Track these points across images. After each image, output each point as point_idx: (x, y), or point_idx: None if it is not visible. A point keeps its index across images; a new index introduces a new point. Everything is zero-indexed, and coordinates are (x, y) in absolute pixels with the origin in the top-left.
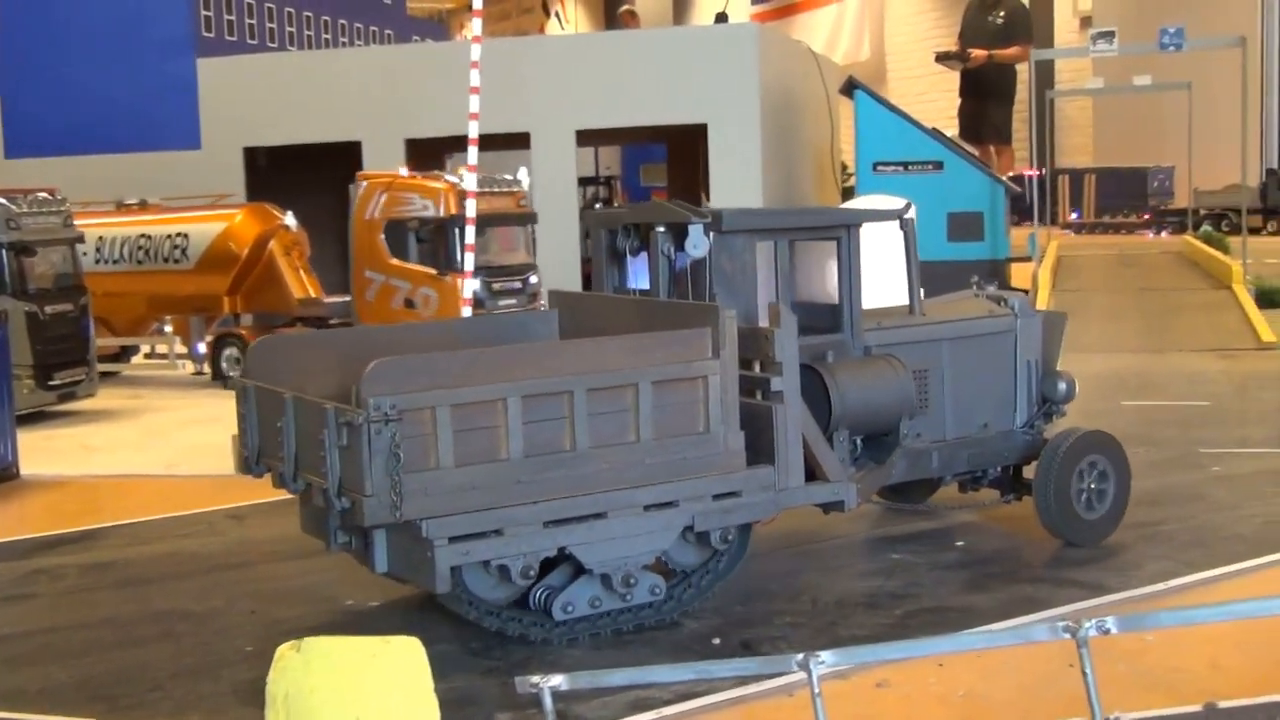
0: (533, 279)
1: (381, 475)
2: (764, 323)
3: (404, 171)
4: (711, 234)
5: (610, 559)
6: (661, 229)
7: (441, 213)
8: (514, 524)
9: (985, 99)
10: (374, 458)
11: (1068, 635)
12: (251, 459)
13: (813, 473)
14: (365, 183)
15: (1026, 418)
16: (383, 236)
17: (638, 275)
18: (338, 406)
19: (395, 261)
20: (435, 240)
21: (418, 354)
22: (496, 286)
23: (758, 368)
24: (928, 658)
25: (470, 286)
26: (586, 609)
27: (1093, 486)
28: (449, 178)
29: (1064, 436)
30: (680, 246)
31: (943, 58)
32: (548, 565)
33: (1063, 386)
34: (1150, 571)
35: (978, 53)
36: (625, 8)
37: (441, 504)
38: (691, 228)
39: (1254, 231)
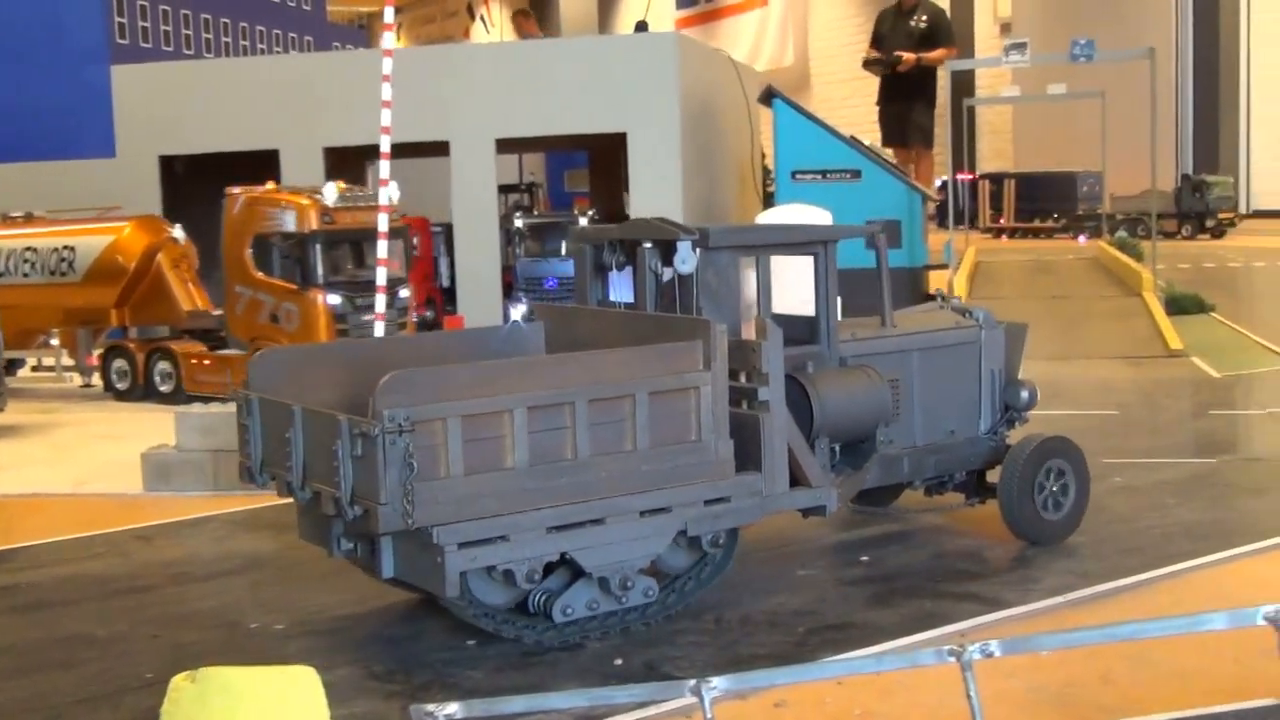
0: (403, 293)
1: (396, 484)
2: (747, 335)
3: (273, 185)
4: (698, 250)
5: (609, 563)
6: (648, 245)
7: (305, 228)
8: (519, 530)
9: (909, 103)
10: (388, 467)
11: (952, 659)
12: (255, 469)
13: (796, 478)
14: (235, 196)
15: (990, 424)
16: (250, 251)
17: (620, 289)
18: (352, 418)
19: (260, 276)
20: (298, 255)
21: (429, 367)
22: (360, 301)
23: (744, 378)
24: (829, 677)
25: (331, 301)
26: (584, 611)
27: (1054, 489)
28: (326, 191)
29: (1027, 442)
30: (667, 262)
31: (871, 63)
32: (546, 570)
33: (1025, 394)
34: (1048, 585)
35: (908, 56)
36: (518, 10)
37: (451, 511)
38: (680, 244)
39: (1169, 236)
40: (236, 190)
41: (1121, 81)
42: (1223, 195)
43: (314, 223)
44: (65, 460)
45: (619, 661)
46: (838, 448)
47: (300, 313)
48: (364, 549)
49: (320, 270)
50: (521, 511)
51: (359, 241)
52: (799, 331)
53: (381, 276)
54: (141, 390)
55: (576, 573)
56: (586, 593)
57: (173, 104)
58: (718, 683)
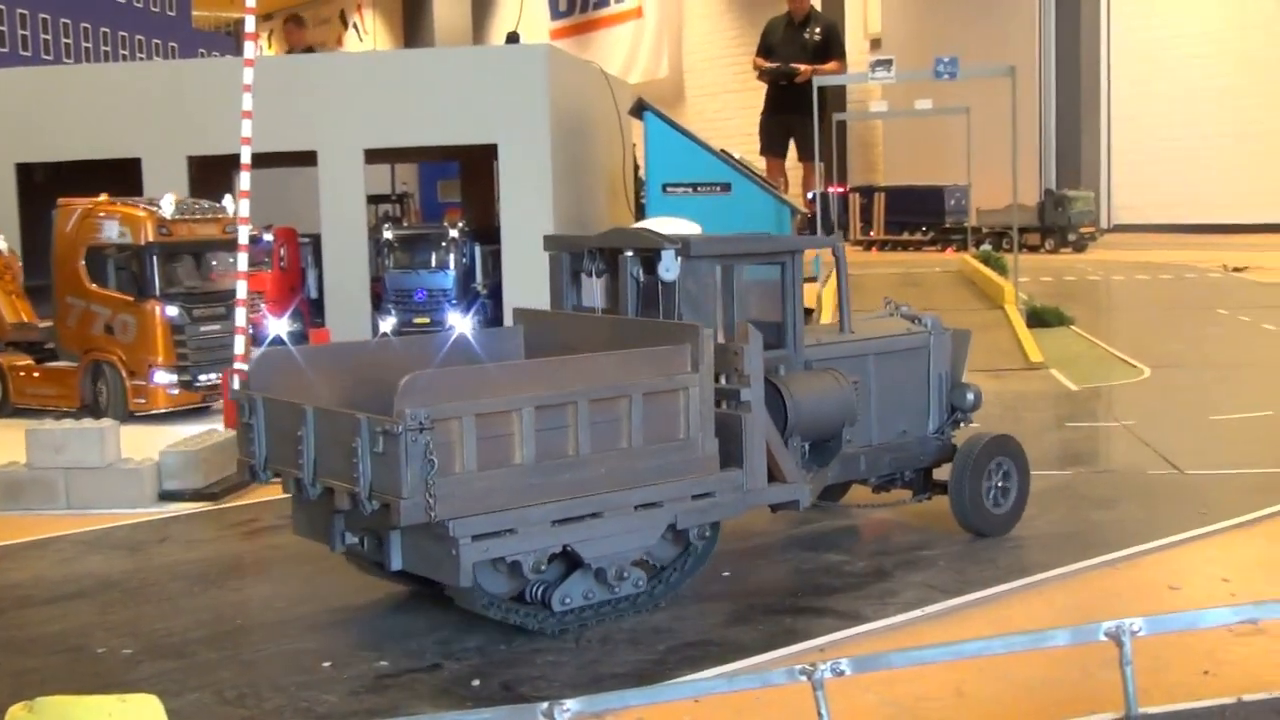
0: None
1: (417, 479)
2: (721, 339)
3: (105, 197)
4: (679, 258)
5: (606, 554)
6: (630, 253)
7: (139, 240)
8: (526, 523)
9: (796, 115)
10: (410, 463)
11: (804, 678)
12: (259, 466)
13: (772, 475)
14: (67, 208)
15: (938, 425)
16: (83, 263)
17: (590, 295)
18: (372, 417)
19: (94, 287)
20: (133, 267)
21: (446, 368)
22: (197, 313)
23: (723, 380)
24: (683, 697)
25: (169, 312)
26: (581, 601)
27: (999, 485)
28: (161, 203)
29: (974, 441)
30: (649, 270)
31: (766, 73)
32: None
33: (970, 396)
34: (906, 599)
35: (805, 68)
36: (289, 17)
37: (465, 505)
38: (664, 253)
39: (1033, 249)
40: (68, 202)
41: (987, 97)
42: (1084, 210)
43: (151, 234)
44: None
45: (476, 683)
46: (807, 446)
47: (137, 324)
48: (370, 543)
49: (157, 282)
50: (528, 506)
51: (196, 253)
52: (768, 336)
53: (242, 290)
54: None
55: (572, 564)
56: (583, 583)
57: (31, 111)
58: (571, 705)
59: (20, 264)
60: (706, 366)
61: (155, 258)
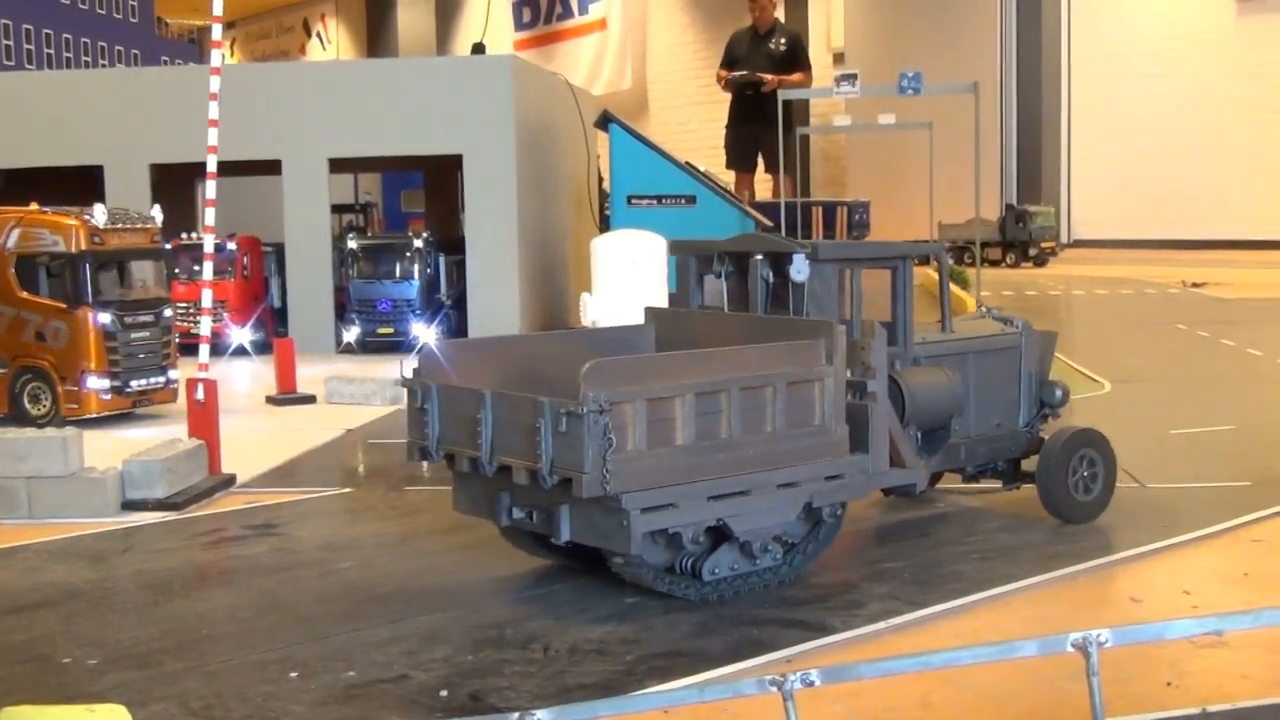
0: (166, 313)
1: (597, 456)
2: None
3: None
4: (809, 262)
5: (752, 529)
6: (759, 257)
7: (72, 248)
8: (686, 498)
9: (761, 126)
10: (591, 442)
11: (774, 689)
12: (432, 447)
13: (892, 460)
14: None
15: (1028, 419)
16: (13, 270)
17: (719, 295)
18: (554, 400)
19: (25, 295)
20: (65, 275)
21: (622, 357)
22: (128, 320)
23: (849, 373)
24: (653, 708)
25: (101, 319)
26: (727, 571)
27: (1085, 475)
28: (93, 213)
29: (1061, 433)
30: (778, 272)
31: (731, 83)
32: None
33: (1059, 393)
34: (872, 611)
35: (770, 78)
36: None
37: (635, 481)
38: (796, 257)
39: (995, 264)
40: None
41: (951, 112)
42: (1045, 225)
43: (84, 243)
44: None
45: (444, 693)
46: (919, 435)
47: (69, 331)
48: (539, 516)
49: (90, 290)
50: (687, 482)
51: (126, 262)
52: None
53: (207, 299)
54: None
55: (718, 539)
56: (729, 556)
57: None
58: (541, 715)
59: None
60: (839, 359)
61: (88, 266)
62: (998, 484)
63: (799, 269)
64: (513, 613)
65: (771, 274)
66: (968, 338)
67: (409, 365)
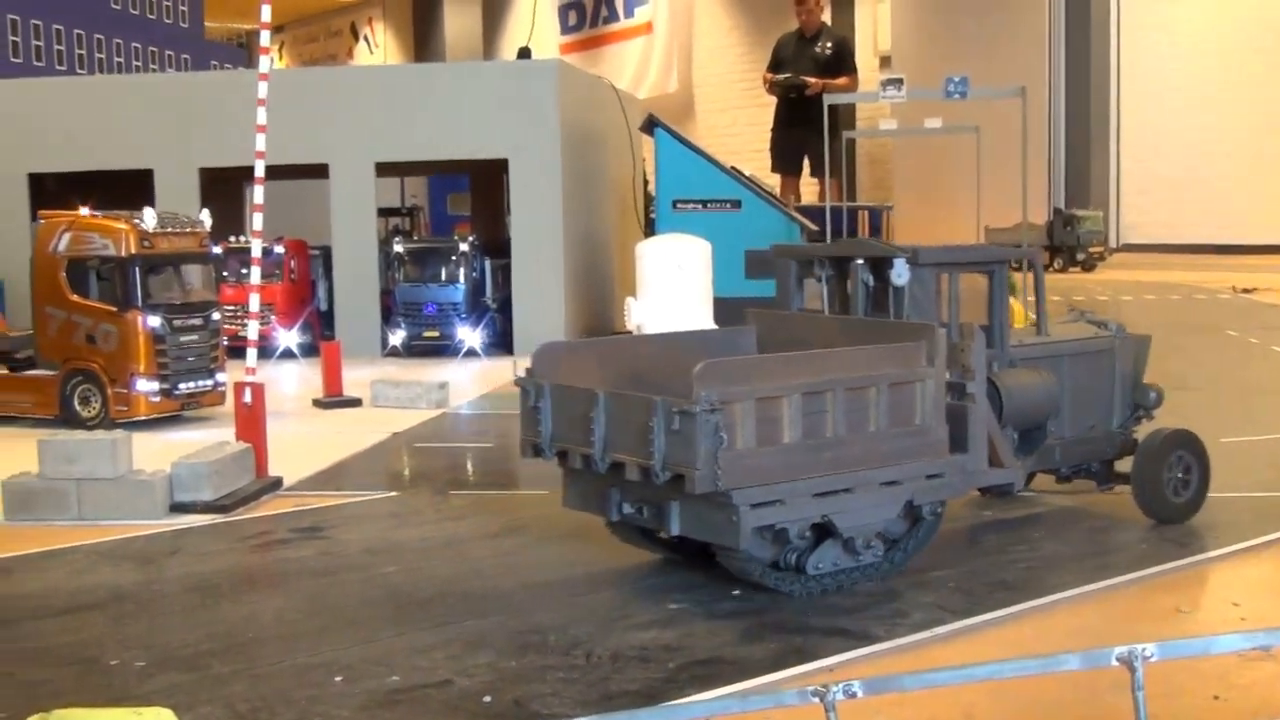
0: (215, 316)
1: (709, 454)
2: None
3: (85, 211)
4: (909, 266)
5: (856, 525)
6: (860, 262)
7: (121, 252)
8: (793, 495)
9: (807, 130)
10: (703, 439)
11: (816, 700)
12: (545, 445)
13: (990, 460)
14: (46, 221)
15: (1122, 420)
16: (64, 274)
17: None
18: (667, 399)
19: (76, 298)
20: (115, 278)
21: (733, 358)
22: (177, 323)
23: (949, 374)
24: (693, 718)
25: (151, 323)
26: (830, 567)
27: (1179, 476)
28: (142, 217)
29: (1155, 435)
30: (878, 276)
31: (777, 86)
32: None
33: (1153, 395)
34: (916, 620)
35: (814, 81)
36: None
37: (745, 477)
38: (897, 261)
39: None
40: (49, 214)
41: (998, 116)
42: (1093, 229)
43: (133, 247)
44: None
45: (488, 699)
46: (1016, 435)
47: (119, 334)
48: (650, 511)
49: (139, 293)
50: (795, 480)
51: (176, 266)
52: None
53: (255, 302)
54: None
55: (821, 535)
56: (831, 552)
57: (43, 121)
58: None
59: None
60: (940, 361)
61: (137, 269)
62: (1091, 484)
63: (899, 273)
64: (556, 618)
65: (872, 278)
66: (1063, 340)
67: (522, 365)
